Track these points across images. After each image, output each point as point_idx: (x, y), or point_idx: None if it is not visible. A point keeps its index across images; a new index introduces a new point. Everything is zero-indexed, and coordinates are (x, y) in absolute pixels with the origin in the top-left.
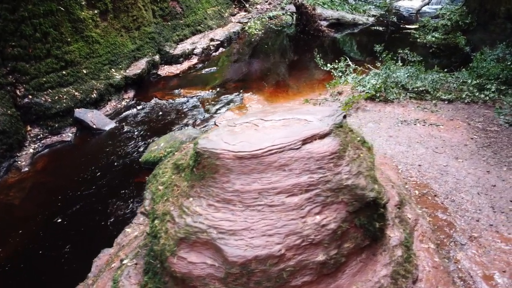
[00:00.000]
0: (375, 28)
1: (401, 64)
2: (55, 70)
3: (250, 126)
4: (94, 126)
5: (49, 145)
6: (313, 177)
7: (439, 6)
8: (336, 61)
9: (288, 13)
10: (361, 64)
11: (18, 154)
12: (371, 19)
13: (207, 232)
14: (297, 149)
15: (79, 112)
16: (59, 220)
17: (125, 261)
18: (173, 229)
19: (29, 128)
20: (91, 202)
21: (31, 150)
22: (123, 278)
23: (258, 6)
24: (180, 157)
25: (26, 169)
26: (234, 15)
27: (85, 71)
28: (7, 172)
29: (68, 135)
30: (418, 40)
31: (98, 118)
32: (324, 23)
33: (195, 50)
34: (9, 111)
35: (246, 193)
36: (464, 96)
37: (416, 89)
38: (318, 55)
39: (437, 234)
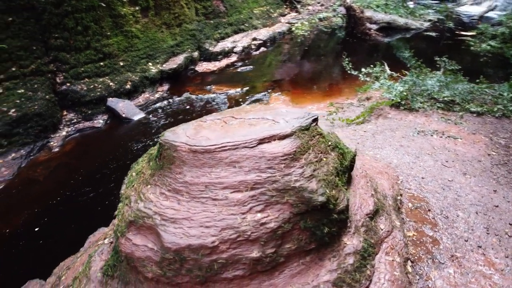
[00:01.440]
0: (428, 33)
1: (440, 72)
2: (93, 61)
3: (219, 122)
4: (124, 115)
5: (81, 129)
6: (261, 176)
7: (505, 12)
8: (371, 65)
9: (339, 15)
10: (399, 70)
11: (52, 136)
12: (426, 24)
13: (152, 218)
14: (251, 147)
15: (111, 101)
16: (73, 198)
17: (105, 240)
18: (128, 212)
19: (64, 113)
20: (106, 184)
21: (64, 133)
22: (96, 254)
23: (310, 7)
24: (154, 147)
25: (57, 149)
26: (284, 15)
27: (121, 63)
28: (40, 150)
29: (99, 121)
30: (472, 48)
31: (128, 108)
32: (374, 26)
33: (235, 49)
34: (47, 96)
35: (194, 185)
36: (496, 109)
37: (444, 99)
38: (346, 59)
39: (417, 249)
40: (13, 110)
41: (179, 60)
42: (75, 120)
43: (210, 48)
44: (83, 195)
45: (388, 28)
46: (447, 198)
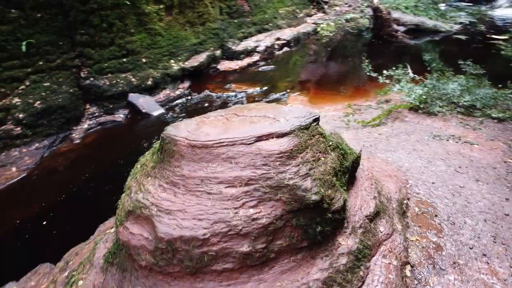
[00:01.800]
0: (458, 36)
1: (464, 76)
2: (116, 57)
3: (221, 119)
4: (144, 110)
5: (102, 123)
6: (256, 172)
7: None
8: (393, 68)
9: (367, 16)
10: (423, 73)
11: (74, 128)
12: (456, 27)
13: (149, 209)
14: (248, 144)
15: (132, 97)
16: (90, 188)
17: (112, 229)
18: (127, 202)
19: (87, 106)
20: (121, 176)
21: (86, 126)
22: (101, 242)
23: (337, 8)
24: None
25: (78, 141)
26: (310, 16)
27: (144, 60)
28: (62, 142)
29: (120, 116)
30: (503, 52)
31: (149, 104)
32: (401, 28)
33: (257, 48)
34: (71, 90)
35: (190, 179)
36: None
37: (464, 104)
38: (366, 61)
39: (419, 254)
40: (38, 102)
41: (201, 58)
42: (97, 114)
43: (233, 47)
44: (100, 185)
45: (416, 30)
46: (456, 204)
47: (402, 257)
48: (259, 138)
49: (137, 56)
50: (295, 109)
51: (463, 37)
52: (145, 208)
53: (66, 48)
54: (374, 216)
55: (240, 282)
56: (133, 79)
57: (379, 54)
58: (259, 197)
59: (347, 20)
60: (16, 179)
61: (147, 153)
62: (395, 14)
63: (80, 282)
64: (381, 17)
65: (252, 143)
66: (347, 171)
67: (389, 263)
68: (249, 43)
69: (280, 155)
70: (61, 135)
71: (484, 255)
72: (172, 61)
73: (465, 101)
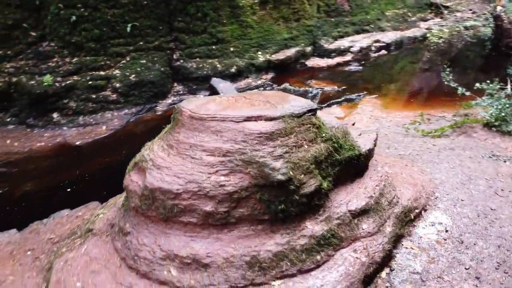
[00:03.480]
0: None
1: None
2: (206, 44)
3: (231, 99)
4: (221, 94)
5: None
6: (234, 146)
7: None
8: (487, 81)
9: (491, 24)
10: None
11: (160, 101)
12: None
13: (147, 162)
14: (237, 122)
15: (214, 81)
16: None
17: None
18: (138, 156)
19: (174, 85)
20: None
21: (170, 101)
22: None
23: (458, 14)
24: None
25: (160, 113)
26: (426, 20)
27: (232, 49)
28: (147, 112)
29: (201, 96)
30: None
31: (227, 89)
32: None
33: (352, 48)
34: (162, 68)
35: (182, 144)
36: None
37: None
38: (446, 69)
39: (406, 262)
40: (133, 76)
41: (289, 52)
42: (181, 92)
43: (325, 45)
44: None
45: None
46: (475, 225)
47: (375, 257)
48: (248, 118)
49: (225, 45)
50: (299, 100)
51: None
52: (145, 162)
53: (164, 32)
54: (361, 213)
55: (201, 236)
56: (218, 65)
57: (487, 66)
58: (231, 168)
59: (466, 28)
60: (103, 135)
61: None
62: None
63: (101, 216)
64: (501, 26)
65: (240, 121)
66: (338, 165)
67: (357, 257)
68: (343, 43)
69: (260, 135)
70: (148, 106)
71: (477, 278)
72: (259, 52)
73: None
